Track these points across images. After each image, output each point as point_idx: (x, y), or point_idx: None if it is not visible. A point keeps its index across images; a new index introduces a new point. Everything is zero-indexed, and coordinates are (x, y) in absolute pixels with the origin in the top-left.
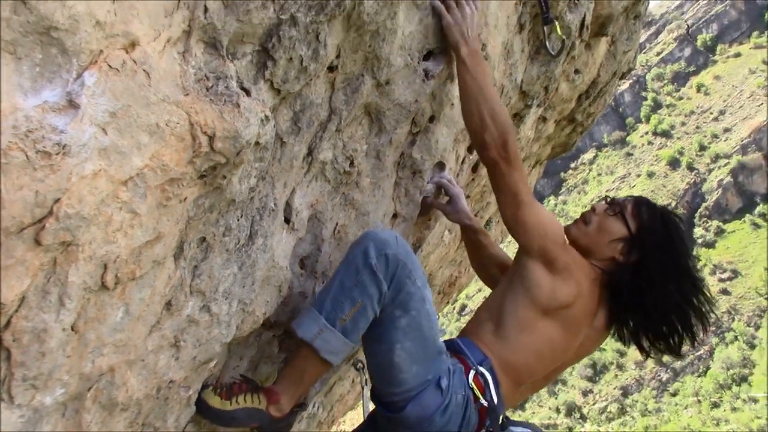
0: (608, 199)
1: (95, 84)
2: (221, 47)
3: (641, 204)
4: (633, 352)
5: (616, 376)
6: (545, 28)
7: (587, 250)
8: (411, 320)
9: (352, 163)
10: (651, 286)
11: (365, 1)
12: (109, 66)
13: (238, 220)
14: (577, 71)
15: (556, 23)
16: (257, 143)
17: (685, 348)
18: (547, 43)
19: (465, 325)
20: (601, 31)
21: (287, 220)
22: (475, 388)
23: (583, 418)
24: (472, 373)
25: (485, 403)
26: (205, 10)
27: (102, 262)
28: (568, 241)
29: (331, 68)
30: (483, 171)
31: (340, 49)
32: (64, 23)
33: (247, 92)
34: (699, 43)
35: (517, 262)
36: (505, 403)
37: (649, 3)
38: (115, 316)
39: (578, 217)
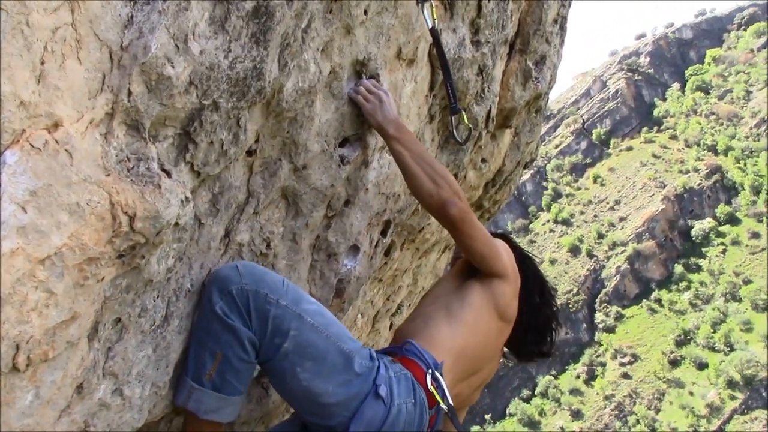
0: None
1: (16, 163)
2: (143, 129)
3: (511, 240)
4: None
5: None
6: (453, 118)
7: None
8: (295, 341)
9: (268, 246)
10: (534, 298)
11: (284, 89)
12: (32, 145)
13: (154, 300)
14: (483, 160)
15: (464, 113)
16: (177, 224)
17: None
18: (455, 132)
19: (400, 330)
20: (505, 123)
21: None
22: (434, 392)
23: None
24: (428, 378)
25: (445, 408)
26: (129, 93)
27: (14, 343)
28: None
29: (250, 152)
30: (395, 255)
31: (259, 134)
32: None
33: (168, 174)
34: (594, 137)
35: (475, 276)
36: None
37: (548, 98)
38: (25, 400)
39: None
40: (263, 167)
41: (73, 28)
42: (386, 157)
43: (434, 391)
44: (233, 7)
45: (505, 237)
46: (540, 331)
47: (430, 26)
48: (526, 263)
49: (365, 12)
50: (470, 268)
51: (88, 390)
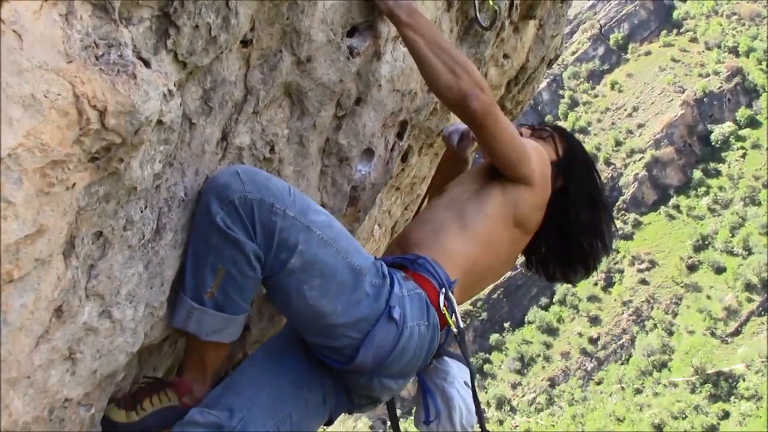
0: (532, 125)
1: None
2: (113, 10)
3: (565, 131)
4: (558, 344)
5: (543, 368)
6: (476, 0)
7: None
8: (302, 256)
9: (272, 149)
10: (571, 208)
11: None
12: None
13: (141, 211)
14: (506, 56)
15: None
16: (160, 122)
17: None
18: (478, 16)
19: (407, 231)
20: (529, 14)
21: None
22: (447, 314)
23: (513, 410)
24: (441, 298)
25: (455, 331)
26: None
27: None
28: None
29: (245, 42)
30: (413, 161)
31: (255, 21)
32: None
33: (146, 63)
34: (612, 42)
35: (497, 179)
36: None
37: None
38: None
39: None
40: (262, 60)
41: None
42: (400, 48)
43: (446, 313)
44: None
45: (558, 131)
46: (578, 258)
47: None
48: (575, 166)
49: None
50: (494, 169)
51: (69, 313)
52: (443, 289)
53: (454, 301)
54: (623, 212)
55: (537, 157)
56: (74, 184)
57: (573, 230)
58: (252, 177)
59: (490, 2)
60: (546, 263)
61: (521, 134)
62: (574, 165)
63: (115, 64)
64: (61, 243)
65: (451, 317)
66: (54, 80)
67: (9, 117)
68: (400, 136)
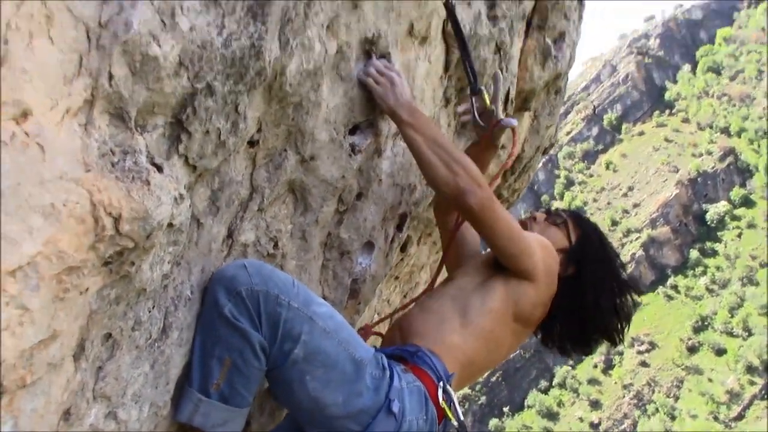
0: (546, 210)
1: None
2: (129, 119)
3: (579, 216)
4: (559, 429)
5: None
6: (473, 99)
7: None
8: (306, 347)
9: (276, 245)
10: (588, 298)
11: (287, 70)
12: None
13: (149, 311)
14: (502, 146)
15: (485, 94)
16: (170, 225)
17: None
18: (476, 115)
19: (410, 319)
20: (524, 106)
21: None
22: (446, 408)
23: None
24: (440, 392)
25: (456, 425)
26: (110, 77)
27: None
28: None
29: (252, 143)
30: (411, 250)
31: (262, 123)
32: None
33: (159, 168)
34: (605, 122)
35: (502, 272)
36: None
37: (567, 79)
38: None
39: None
40: (267, 159)
41: (41, 3)
42: (400, 144)
43: (445, 407)
44: None
45: (573, 217)
46: (598, 336)
47: None
48: (589, 254)
49: None
50: (498, 260)
51: (77, 416)
52: (441, 383)
53: (453, 394)
54: None
55: (541, 252)
56: (87, 289)
57: (590, 315)
58: (258, 269)
59: (487, 103)
60: (562, 343)
61: (535, 218)
62: (588, 253)
63: (130, 171)
64: (73, 346)
65: (450, 410)
66: (73, 189)
67: (30, 226)
68: (399, 228)
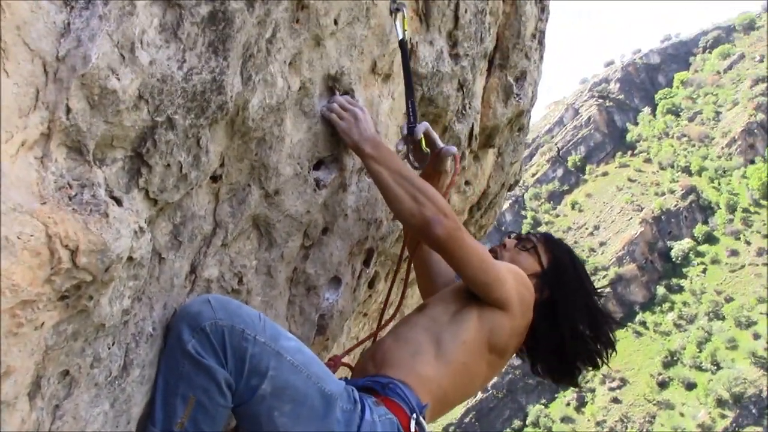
0: (515, 235)
1: None
2: (87, 152)
3: (550, 240)
4: None
5: None
6: (408, 139)
7: None
8: (274, 382)
9: (241, 281)
10: (563, 321)
11: (250, 105)
12: None
13: (109, 348)
14: (467, 182)
15: (422, 137)
16: (131, 258)
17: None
18: (410, 156)
19: (383, 349)
20: (488, 143)
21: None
22: None
23: None
24: (412, 424)
25: None
26: (68, 110)
27: None
28: None
29: (215, 177)
30: (379, 287)
31: (224, 157)
32: None
33: (118, 202)
34: (570, 164)
35: (476, 301)
36: None
37: (530, 117)
38: None
39: (488, 250)
40: (231, 194)
41: None
42: (365, 179)
43: None
44: (186, 12)
45: (543, 240)
46: (576, 362)
47: (400, 38)
48: (562, 276)
49: (335, 22)
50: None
51: None
52: (414, 414)
53: (426, 426)
54: None
55: (513, 280)
56: (43, 324)
57: (567, 340)
58: (223, 305)
59: (423, 146)
60: (549, 370)
61: (505, 245)
62: (560, 276)
63: (88, 204)
64: (28, 384)
65: None
66: (27, 222)
67: None
68: (366, 263)
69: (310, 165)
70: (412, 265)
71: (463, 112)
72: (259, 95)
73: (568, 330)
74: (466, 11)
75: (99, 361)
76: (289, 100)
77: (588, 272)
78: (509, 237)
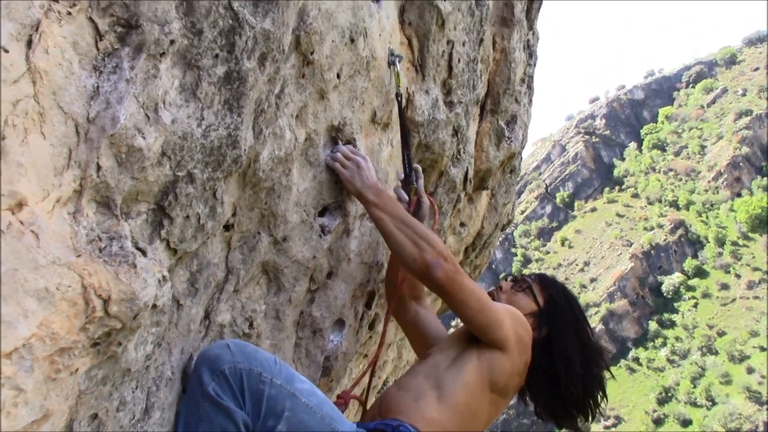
0: (512, 277)
1: None
2: (115, 206)
3: (545, 279)
4: None
5: None
6: (404, 191)
7: None
8: (289, 423)
9: (251, 325)
10: (560, 360)
11: (260, 157)
12: None
13: (133, 392)
14: (462, 224)
15: (414, 187)
16: (154, 306)
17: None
18: (407, 207)
19: (388, 398)
20: (481, 185)
21: (185, 390)
22: None
23: None
24: None
25: None
26: (98, 168)
27: None
28: None
29: (228, 226)
30: (379, 328)
31: (237, 207)
32: None
33: (143, 252)
34: (558, 200)
35: (475, 344)
36: None
37: (521, 159)
38: None
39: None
40: (242, 242)
41: (35, 101)
42: (367, 224)
43: None
44: (204, 74)
45: (538, 280)
46: (574, 404)
47: (395, 91)
48: (558, 315)
49: (338, 75)
50: (470, 334)
51: None
52: None
53: None
54: None
55: (511, 321)
56: (77, 369)
57: (564, 378)
58: (241, 348)
59: (412, 195)
60: (548, 410)
61: (501, 288)
62: (556, 314)
63: (117, 255)
64: (62, 427)
65: None
66: (65, 274)
67: (25, 309)
68: (368, 305)
69: (316, 212)
70: (402, 329)
71: (458, 156)
72: (269, 147)
73: (563, 366)
74: (459, 60)
75: (124, 404)
76: (296, 150)
77: (582, 308)
78: (505, 280)
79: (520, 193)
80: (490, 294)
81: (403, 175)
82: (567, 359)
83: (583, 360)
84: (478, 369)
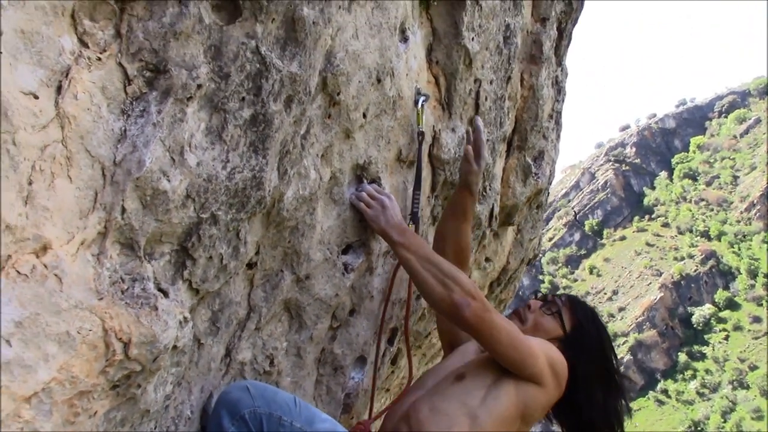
0: (541, 296)
1: (1, 292)
2: (138, 248)
3: (576, 304)
4: None
5: None
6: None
7: None
8: None
9: (272, 363)
10: (581, 388)
11: (285, 197)
12: (18, 272)
13: None
14: (488, 259)
15: (420, 222)
16: (175, 347)
17: None
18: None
19: (419, 416)
20: (507, 221)
21: (204, 429)
22: None
23: None
24: None
25: None
26: (123, 210)
27: None
28: None
29: (251, 265)
30: (402, 362)
31: (260, 246)
32: None
33: (165, 294)
34: (587, 228)
35: (508, 377)
36: None
37: (548, 193)
38: None
39: (512, 312)
40: (264, 280)
41: (63, 145)
42: (391, 262)
43: None
44: (230, 116)
45: (569, 303)
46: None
47: (419, 130)
48: (584, 343)
49: (364, 115)
50: None
51: None
52: None
53: None
54: None
55: (544, 355)
56: (96, 412)
57: (585, 409)
58: (261, 392)
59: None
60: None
61: (530, 307)
62: (583, 343)
63: (139, 297)
64: None
65: None
66: (87, 317)
67: (45, 353)
68: (390, 341)
69: (339, 250)
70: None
71: (484, 194)
72: (294, 187)
73: (585, 397)
74: (486, 98)
75: None
76: (321, 190)
77: (609, 336)
78: (535, 296)
79: (548, 220)
80: (517, 312)
81: (409, 214)
82: (588, 389)
83: (604, 391)
84: (515, 404)
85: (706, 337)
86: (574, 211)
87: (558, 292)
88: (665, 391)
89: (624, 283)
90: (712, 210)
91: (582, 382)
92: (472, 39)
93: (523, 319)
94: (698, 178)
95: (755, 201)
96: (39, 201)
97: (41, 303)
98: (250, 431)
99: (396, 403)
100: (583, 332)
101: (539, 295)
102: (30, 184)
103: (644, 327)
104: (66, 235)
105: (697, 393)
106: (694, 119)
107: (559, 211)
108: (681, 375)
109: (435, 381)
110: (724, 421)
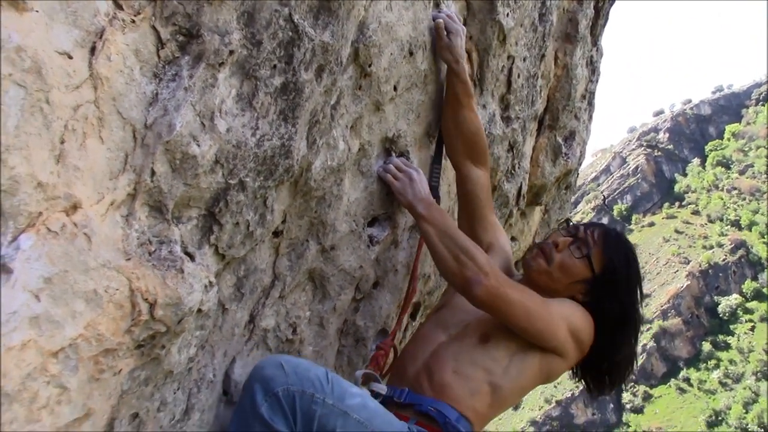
0: (572, 227)
1: (31, 248)
2: (166, 211)
3: (608, 242)
4: None
5: None
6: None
7: (544, 289)
8: None
9: (294, 331)
10: (603, 331)
11: (313, 167)
12: (48, 229)
13: (174, 393)
14: (513, 238)
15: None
16: (199, 310)
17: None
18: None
19: (441, 377)
20: (535, 200)
21: (226, 393)
22: None
23: None
24: None
25: None
26: (152, 173)
27: None
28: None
29: (277, 233)
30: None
31: (286, 215)
32: (3, 184)
33: (191, 257)
34: (615, 213)
35: (533, 347)
36: None
37: (578, 175)
38: None
39: (536, 247)
40: (290, 248)
41: (95, 106)
42: (416, 236)
43: None
44: (261, 84)
45: (600, 242)
46: (621, 370)
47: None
48: (614, 285)
49: (395, 88)
50: None
51: None
52: None
53: None
54: (632, 384)
55: (566, 324)
56: (121, 370)
57: (606, 352)
58: (294, 368)
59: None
60: (583, 376)
61: (557, 245)
62: (611, 285)
63: (166, 260)
64: (103, 425)
65: None
66: (114, 277)
67: (73, 310)
68: (413, 316)
69: (365, 222)
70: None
71: (512, 172)
72: (322, 157)
73: (606, 340)
74: (518, 76)
75: (165, 405)
76: (349, 161)
77: (640, 280)
78: (566, 225)
79: (576, 203)
80: (543, 250)
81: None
82: (609, 332)
83: (625, 333)
84: (537, 374)
85: (731, 327)
86: (604, 196)
87: (590, 223)
88: (687, 380)
89: (651, 270)
90: (744, 199)
91: (604, 324)
92: (507, 15)
93: (549, 258)
94: (732, 166)
95: None
96: (70, 160)
97: (70, 261)
98: (283, 408)
99: (419, 336)
100: (613, 274)
101: (570, 224)
102: (62, 143)
103: (669, 314)
104: (96, 195)
105: (720, 383)
106: (731, 106)
107: (588, 194)
108: (704, 364)
109: (457, 327)
110: (746, 412)
